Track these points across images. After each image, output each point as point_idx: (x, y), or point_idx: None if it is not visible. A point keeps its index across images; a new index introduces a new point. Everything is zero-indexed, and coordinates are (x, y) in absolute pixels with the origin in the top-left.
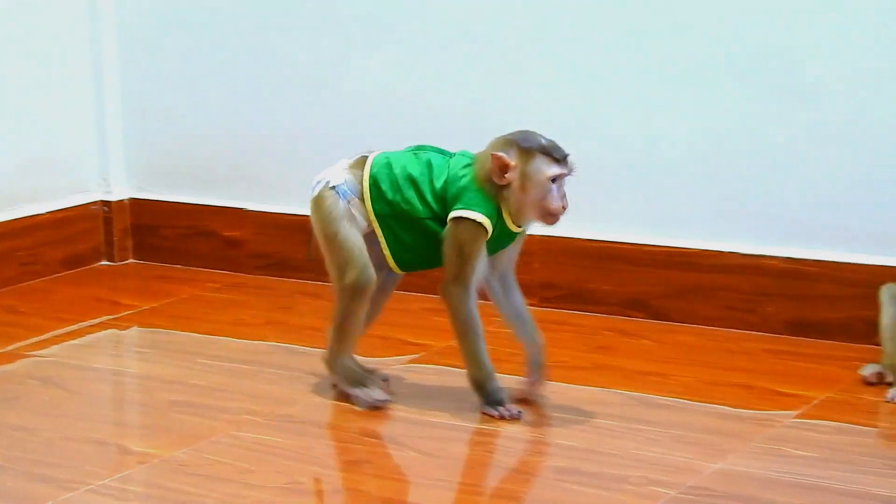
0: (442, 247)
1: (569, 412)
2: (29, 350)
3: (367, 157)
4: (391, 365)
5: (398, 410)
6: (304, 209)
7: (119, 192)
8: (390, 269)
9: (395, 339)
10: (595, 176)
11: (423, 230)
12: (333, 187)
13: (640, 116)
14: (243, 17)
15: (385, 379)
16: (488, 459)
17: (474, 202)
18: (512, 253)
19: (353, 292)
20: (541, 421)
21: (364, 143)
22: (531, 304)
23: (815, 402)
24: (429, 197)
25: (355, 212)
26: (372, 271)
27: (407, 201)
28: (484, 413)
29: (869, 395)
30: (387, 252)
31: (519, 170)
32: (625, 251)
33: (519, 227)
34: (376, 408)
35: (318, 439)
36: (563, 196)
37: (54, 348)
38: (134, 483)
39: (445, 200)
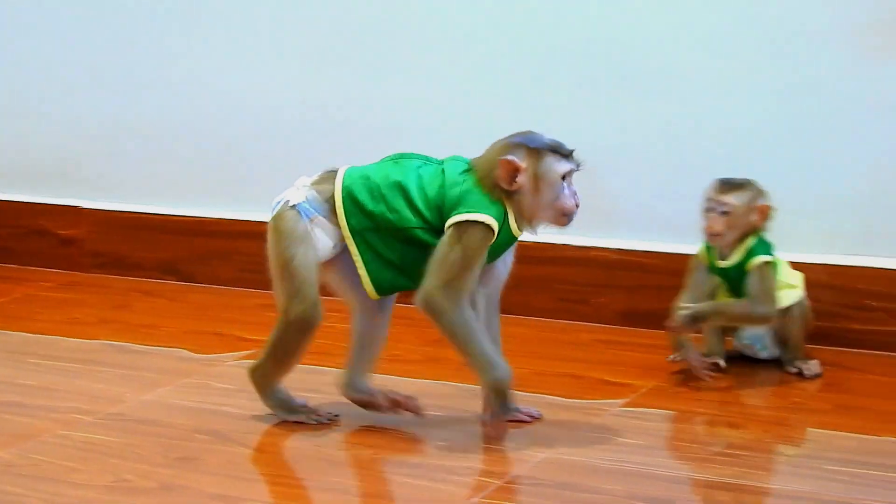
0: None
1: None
2: None
3: (334, 172)
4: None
5: (231, 408)
6: (138, 206)
7: None
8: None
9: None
10: None
11: (412, 242)
12: (294, 206)
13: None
14: (71, 16)
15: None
16: (319, 454)
17: (481, 205)
18: (504, 266)
19: (298, 327)
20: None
21: (184, 142)
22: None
23: (643, 390)
24: (420, 205)
25: (320, 232)
26: (320, 309)
27: (394, 210)
28: (498, 421)
29: (695, 383)
30: (363, 272)
31: (530, 172)
32: None
33: (521, 231)
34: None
35: (147, 437)
36: (574, 193)
37: None
38: None
39: (442, 208)
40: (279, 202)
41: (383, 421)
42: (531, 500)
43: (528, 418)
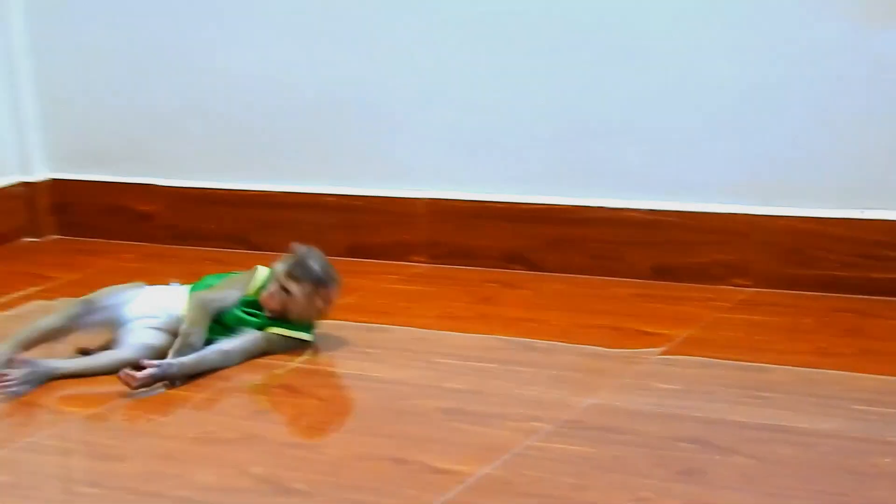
0: None
1: (455, 358)
2: None
3: None
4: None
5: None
6: (206, 182)
7: (39, 172)
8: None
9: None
10: (465, 143)
11: None
12: None
13: (497, 87)
14: (137, 3)
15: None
16: (381, 403)
17: None
18: None
19: None
20: (428, 367)
21: (245, 121)
22: (420, 262)
23: (678, 339)
24: None
25: None
26: None
27: None
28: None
29: (727, 332)
30: None
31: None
32: (500, 210)
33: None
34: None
35: (233, 393)
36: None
37: None
38: (63, 440)
39: None
40: None
41: (438, 374)
42: (580, 443)
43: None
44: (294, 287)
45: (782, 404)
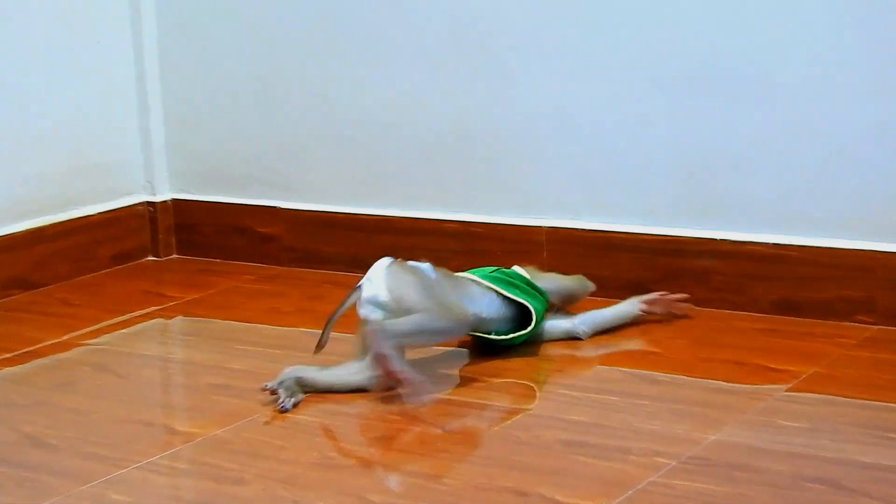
0: None
1: (575, 390)
2: (82, 339)
3: None
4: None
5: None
6: (328, 206)
7: (162, 193)
8: None
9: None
10: (596, 174)
11: None
12: None
13: (622, 118)
14: (266, 33)
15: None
16: (502, 433)
17: None
18: None
19: None
20: (549, 398)
21: (370, 149)
22: None
23: (804, 376)
24: None
25: None
26: None
27: None
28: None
29: (853, 370)
30: None
31: None
32: (623, 240)
33: None
34: None
35: (353, 419)
36: None
37: (106, 337)
38: (180, 460)
39: None
40: None
41: (560, 406)
42: (705, 480)
43: None
44: None
45: None
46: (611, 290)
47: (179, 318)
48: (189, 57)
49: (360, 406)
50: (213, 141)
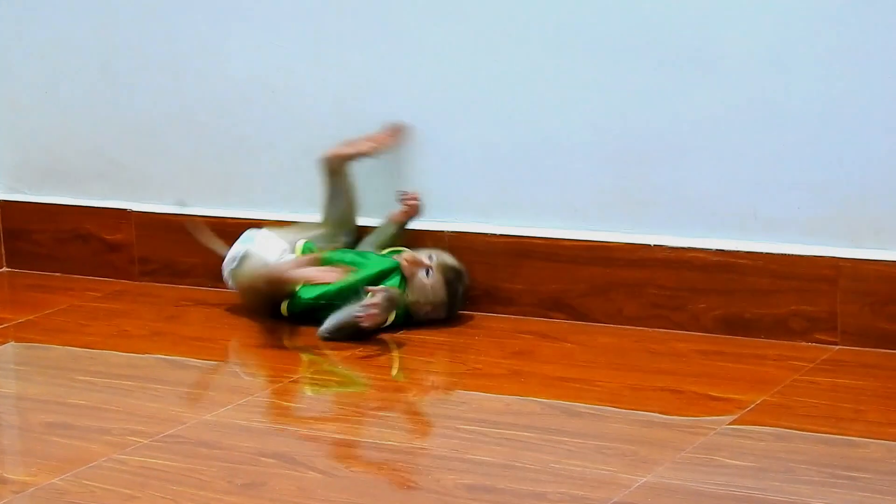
0: None
1: (483, 424)
2: None
3: None
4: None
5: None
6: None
7: None
8: None
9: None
10: (497, 164)
11: None
12: None
13: (538, 97)
14: (99, 11)
15: None
16: (395, 478)
17: None
18: None
19: None
20: (452, 434)
21: (235, 132)
22: None
23: (751, 406)
24: None
25: None
26: None
27: None
28: None
29: (809, 398)
30: None
31: None
32: (538, 246)
33: None
34: None
35: (208, 461)
36: None
37: None
38: None
39: None
40: None
41: (463, 444)
42: None
43: None
44: (436, 276)
45: (875, 486)
46: (524, 307)
47: (10, 343)
48: (17, 28)
49: (227, 447)
50: (48, 129)
